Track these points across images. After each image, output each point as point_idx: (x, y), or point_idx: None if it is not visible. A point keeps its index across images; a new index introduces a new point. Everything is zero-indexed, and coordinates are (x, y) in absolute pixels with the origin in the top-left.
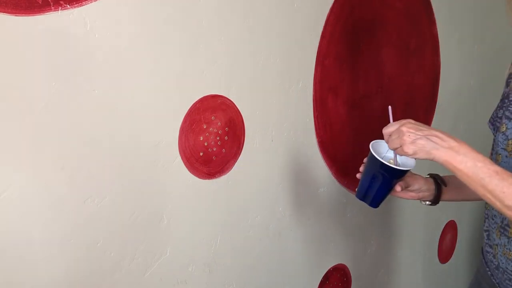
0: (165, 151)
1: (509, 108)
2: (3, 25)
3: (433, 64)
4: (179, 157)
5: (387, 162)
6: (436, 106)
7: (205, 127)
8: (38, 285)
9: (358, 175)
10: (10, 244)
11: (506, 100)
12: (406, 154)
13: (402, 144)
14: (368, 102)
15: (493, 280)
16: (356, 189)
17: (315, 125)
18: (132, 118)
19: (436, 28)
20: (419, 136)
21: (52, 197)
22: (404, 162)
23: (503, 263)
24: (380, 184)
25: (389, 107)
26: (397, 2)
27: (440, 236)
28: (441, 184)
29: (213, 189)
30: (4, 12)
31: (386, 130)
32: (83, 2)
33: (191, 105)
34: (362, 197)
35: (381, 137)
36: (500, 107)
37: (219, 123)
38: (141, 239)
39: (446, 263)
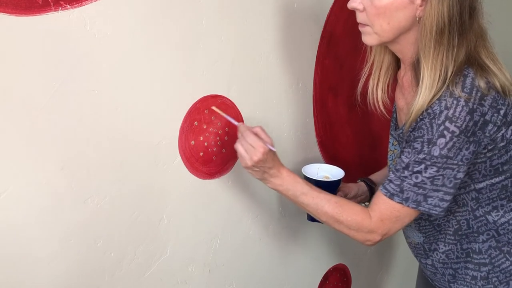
0: (165, 151)
1: (392, 121)
2: (3, 25)
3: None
4: (179, 157)
5: (321, 179)
6: None
7: (205, 127)
8: (38, 285)
9: None
10: (10, 244)
11: (393, 112)
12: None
13: (240, 158)
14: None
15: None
16: (306, 214)
17: (315, 125)
18: (132, 118)
19: None
20: (255, 167)
21: (52, 197)
22: (334, 174)
23: (409, 237)
24: None
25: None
26: None
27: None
28: (372, 186)
29: (213, 189)
30: (4, 12)
31: (242, 134)
32: (83, 2)
33: (191, 105)
34: (312, 218)
35: (379, 137)
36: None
37: (219, 123)
38: (141, 239)
39: None
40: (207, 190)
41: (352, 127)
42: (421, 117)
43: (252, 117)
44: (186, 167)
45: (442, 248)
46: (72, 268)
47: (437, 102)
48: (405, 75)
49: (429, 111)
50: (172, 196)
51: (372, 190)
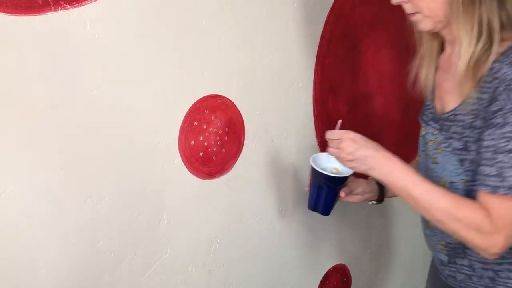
0: (165, 151)
1: (425, 112)
2: (3, 25)
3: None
4: (179, 157)
5: (330, 172)
6: None
7: (205, 127)
8: (38, 285)
9: (306, 189)
10: (10, 244)
11: (425, 104)
12: (343, 163)
13: (339, 158)
14: (368, 102)
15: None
16: (307, 203)
17: (315, 125)
18: (132, 118)
19: None
20: (352, 159)
21: (52, 197)
22: (343, 169)
23: (436, 252)
24: (326, 193)
25: (339, 121)
26: None
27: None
28: (383, 184)
29: (213, 189)
30: (4, 12)
31: (329, 137)
32: (83, 2)
33: (191, 105)
34: (313, 207)
35: (379, 137)
36: (423, 107)
37: (219, 123)
38: (141, 239)
39: None
40: (207, 190)
41: (352, 127)
42: (488, 85)
43: (252, 117)
44: (186, 167)
45: None
46: (72, 268)
47: (506, 66)
48: (451, 54)
49: (499, 76)
50: (172, 196)
51: (381, 188)
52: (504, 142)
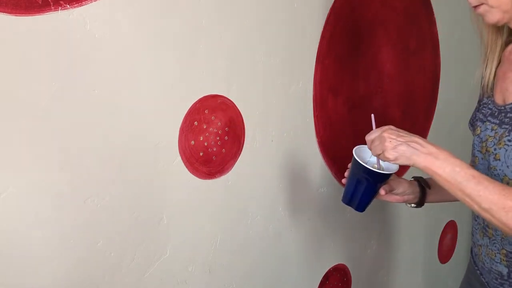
0: (165, 151)
1: (482, 110)
2: (3, 25)
3: (433, 64)
4: (179, 157)
5: (371, 166)
6: (436, 106)
7: (205, 127)
8: (38, 285)
9: (343, 180)
10: (10, 244)
11: (480, 103)
12: (388, 160)
13: (383, 150)
14: (368, 102)
15: (482, 279)
16: (342, 194)
17: (315, 125)
18: (132, 118)
19: (436, 28)
20: (399, 142)
21: (52, 197)
22: (387, 166)
23: (487, 262)
24: (364, 188)
25: (372, 115)
26: (397, 2)
27: (440, 236)
28: (425, 187)
29: (213, 189)
30: (4, 12)
31: (369, 137)
32: (83, 2)
33: (191, 105)
34: (348, 201)
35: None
36: (476, 109)
37: (219, 123)
38: (141, 239)
39: (446, 263)
40: (207, 190)
41: (352, 127)
42: None
43: (252, 117)
44: (186, 167)
45: None
46: (72, 268)
47: None
48: None
49: None
50: (172, 196)
51: (423, 191)
52: None
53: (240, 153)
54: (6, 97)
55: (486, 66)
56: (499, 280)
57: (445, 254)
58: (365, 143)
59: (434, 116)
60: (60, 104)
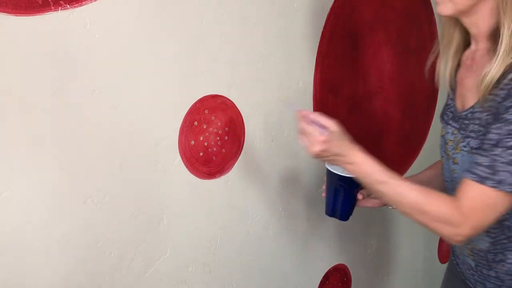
0: (165, 151)
1: (446, 112)
2: (3, 25)
3: (433, 64)
4: (179, 157)
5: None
6: (436, 105)
7: (205, 127)
8: (38, 285)
9: (323, 194)
10: (10, 244)
11: (447, 102)
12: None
13: (309, 140)
14: (368, 102)
15: (458, 269)
16: (325, 208)
17: None
18: (132, 118)
19: (436, 28)
20: (325, 148)
21: (52, 197)
22: None
23: (460, 255)
24: (343, 196)
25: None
26: (397, 2)
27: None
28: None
29: (213, 189)
30: (4, 12)
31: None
32: (83, 2)
33: (191, 105)
34: (331, 213)
35: (380, 137)
36: (445, 104)
37: (219, 123)
38: (141, 239)
39: (446, 263)
40: (207, 190)
41: (352, 127)
42: (507, 81)
43: (252, 117)
44: (186, 167)
45: (510, 259)
46: (72, 268)
47: None
48: (477, 50)
49: None
50: (172, 196)
51: None
52: (509, 138)
53: (240, 153)
54: (6, 97)
55: (441, 61)
56: (470, 271)
57: (445, 254)
58: (365, 143)
59: (434, 116)
60: (60, 104)
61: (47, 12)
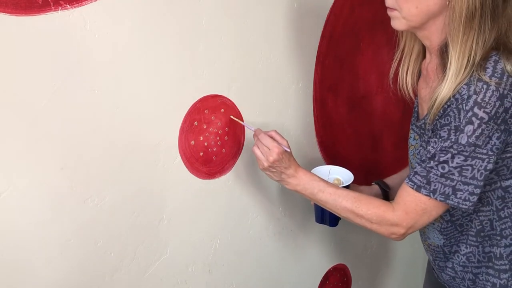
0: (165, 151)
1: (414, 115)
2: (3, 25)
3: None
4: (179, 157)
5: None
6: None
7: (205, 127)
8: (38, 285)
9: (312, 203)
10: (10, 244)
11: (414, 105)
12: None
13: (259, 160)
14: (368, 102)
15: (430, 256)
16: (314, 216)
17: (315, 125)
18: (132, 118)
19: None
20: (273, 169)
21: (52, 197)
22: (344, 180)
23: (425, 247)
24: None
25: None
26: None
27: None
28: (385, 189)
29: (213, 189)
30: (4, 12)
31: (259, 139)
32: (83, 2)
33: (191, 105)
34: (321, 220)
35: (380, 137)
36: (412, 112)
37: (219, 123)
38: (141, 239)
39: None
40: (207, 190)
41: (352, 127)
42: (448, 103)
43: (252, 117)
44: (186, 167)
45: (463, 250)
46: (72, 268)
47: (465, 87)
48: (430, 62)
49: (457, 96)
50: (172, 196)
51: (386, 194)
52: (442, 154)
53: (240, 153)
54: (6, 97)
55: (403, 69)
56: (433, 262)
57: None
58: (365, 143)
59: None
60: (60, 104)
61: (47, 12)
